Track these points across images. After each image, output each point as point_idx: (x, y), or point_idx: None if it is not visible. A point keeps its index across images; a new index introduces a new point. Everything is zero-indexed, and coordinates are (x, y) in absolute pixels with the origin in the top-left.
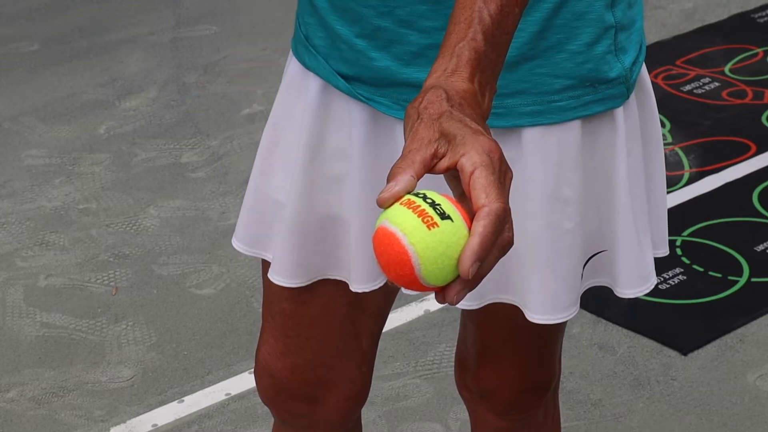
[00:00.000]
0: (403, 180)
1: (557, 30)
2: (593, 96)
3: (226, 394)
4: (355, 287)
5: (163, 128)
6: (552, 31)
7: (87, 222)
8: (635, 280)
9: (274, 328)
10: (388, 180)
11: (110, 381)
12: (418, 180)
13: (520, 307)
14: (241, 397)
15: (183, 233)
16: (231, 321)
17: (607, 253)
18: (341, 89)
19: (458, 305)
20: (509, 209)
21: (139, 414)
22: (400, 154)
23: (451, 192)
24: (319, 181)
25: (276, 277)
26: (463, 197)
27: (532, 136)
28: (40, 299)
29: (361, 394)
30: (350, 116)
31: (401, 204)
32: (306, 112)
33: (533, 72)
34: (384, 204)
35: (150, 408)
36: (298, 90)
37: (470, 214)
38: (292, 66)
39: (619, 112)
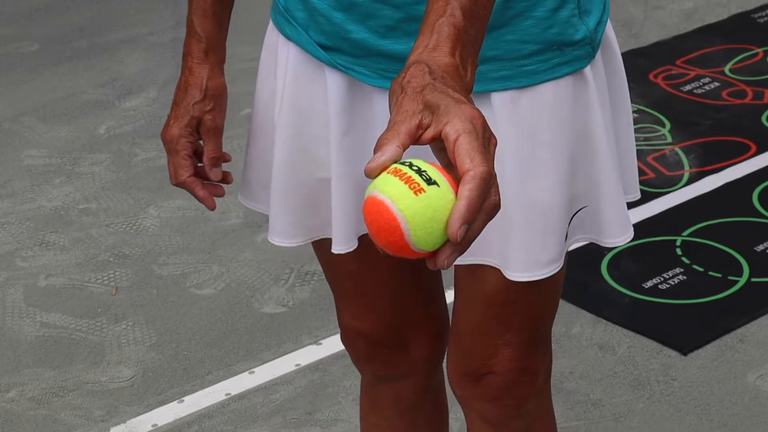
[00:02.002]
0: (389, 150)
1: None
2: (561, 59)
3: (226, 394)
4: (336, 248)
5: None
6: None
7: (87, 222)
8: (620, 229)
9: (347, 291)
10: (375, 151)
11: (110, 381)
12: (404, 150)
13: (501, 269)
14: (241, 397)
15: (183, 233)
16: (231, 321)
17: (590, 208)
18: (321, 59)
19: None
20: (494, 173)
21: (139, 414)
22: (376, 118)
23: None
24: (309, 146)
25: (276, 239)
26: (450, 168)
27: (502, 99)
28: (40, 299)
29: (443, 331)
30: (326, 83)
31: (388, 173)
32: (287, 81)
33: (502, 39)
34: (371, 174)
35: (150, 408)
36: (278, 59)
37: (457, 181)
38: (268, 36)
39: (588, 71)
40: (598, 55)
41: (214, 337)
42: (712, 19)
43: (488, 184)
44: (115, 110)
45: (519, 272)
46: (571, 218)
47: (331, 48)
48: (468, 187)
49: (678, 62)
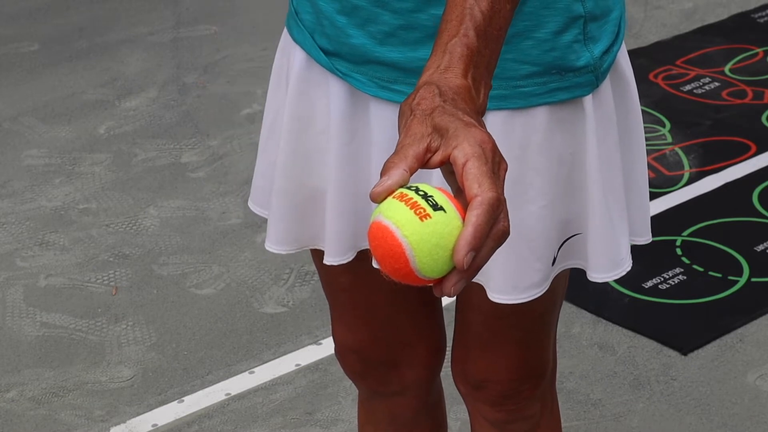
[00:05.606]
0: (395, 174)
1: (524, 17)
2: (559, 83)
3: (226, 394)
4: (328, 260)
5: (163, 128)
6: (519, 18)
7: (87, 222)
8: (606, 265)
9: (342, 304)
10: (381, 175)
11: (110, 381)
12: (411, 174)
13: (484, 287)
14: (241, 397)
15: (183, 233)
16: (231, 321)
17: (581, 237)
18: (322, 64)
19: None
20: (504, 199)
21: (139, 414)
22: (373, 128)
23: (450, 189)
24: (307, 153)
25: (268, 244)
26: (460, 193)
27: (495, 119)
28: (40, 299)
29: (441, 348)
30: (329, 91)
31: (394, 197)
32: (291, 85)
33: (500, 57)
34: (377, 198)
35: (150, 408)
36: (288, 64)
37: (465, 207)
38: (282, 39)
39: (588, 100)
40: (605, 87)
41: (214, 337)
42: (712, 19)
43: (497, 210)
44: (115, 110)
45: (498, 294)
46: (562, 243)
47: (332, 53)
48: (475, 213)
49: (678, 62)
